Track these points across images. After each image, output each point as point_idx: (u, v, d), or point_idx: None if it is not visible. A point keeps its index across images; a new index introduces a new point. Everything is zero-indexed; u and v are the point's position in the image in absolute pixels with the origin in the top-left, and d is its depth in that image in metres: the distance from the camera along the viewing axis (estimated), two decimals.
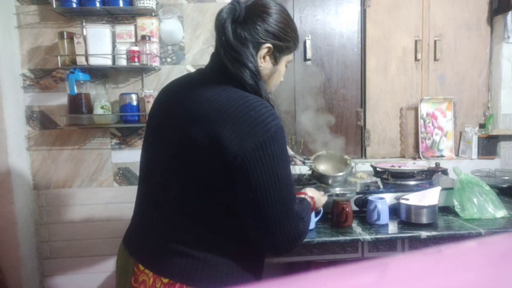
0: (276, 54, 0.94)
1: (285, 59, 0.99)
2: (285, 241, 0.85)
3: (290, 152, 1.53)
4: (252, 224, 0.85)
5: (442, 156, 2.10)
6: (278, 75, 1.00)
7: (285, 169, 0.83)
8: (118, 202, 1.94)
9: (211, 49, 1.98)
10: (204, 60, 1.91)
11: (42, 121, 1.89)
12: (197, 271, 0.85)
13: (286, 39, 0.94)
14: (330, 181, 1.50)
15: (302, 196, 1.12)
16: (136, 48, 1.74)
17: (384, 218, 1.39)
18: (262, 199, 0.81)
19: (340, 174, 1.49)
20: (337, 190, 1.46)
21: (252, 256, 0.94)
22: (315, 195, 1.16)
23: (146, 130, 1.01)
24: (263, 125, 0.80)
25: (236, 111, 0.81)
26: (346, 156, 1.60)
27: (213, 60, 0.95)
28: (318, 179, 1.54)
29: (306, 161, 1.52)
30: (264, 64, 0.93)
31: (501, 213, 1.46)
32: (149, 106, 1.77)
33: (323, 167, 1.60)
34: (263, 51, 0.91)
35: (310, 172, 1.64)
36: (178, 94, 0.93)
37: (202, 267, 0.85)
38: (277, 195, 0.81)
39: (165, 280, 0.85)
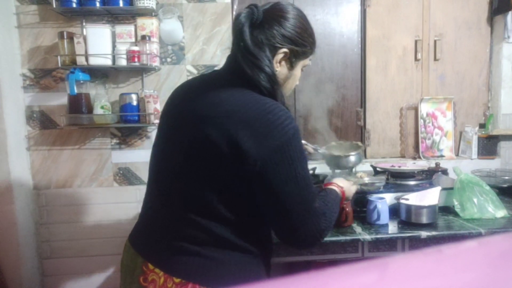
0: (292, 59, 0.94)
1: (301, 64, 0.99)
2: (308, 237, 0.87)
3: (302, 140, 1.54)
4: (274, 224, 0.88)
5: (442, 156, 2.10)
6: (293, 79, 1.00)
7: (304, 170, 0.85)
8: (118, 202, 1.94)
9: (211, 49, 1.98)
10: (204, 60, 1.91)
11: (42, 121, 1.89)
12: (210, 271, 0.85)
13: (302, 44, 0.94)
14: (344, 163, 1.46)
15: (331, 187, 1.11)
16: (136, 48, 1.74)
17: (384, 218, 1.39)
18: (283, 200, 0.83)
19: (352, 153, 1.44)
20: (366, 180, 1.44)
21: (264, 255, 0.95)
22: (344, 185, 1.17)
23: (159, 129, 1.00)
24: (280, 128, 0.81)
25: (253, 114, 0.82)
26: (357, 142, 1.58)
27: (230, 63, 0.95)
28: (332, 164, 1.51)
29: (317, 148, 1.51)
30: (280, 69, 0.94)
31: (501, 213, 1.46)
32: (149, 106, 1.77)
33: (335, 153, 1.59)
34: (279, 56, 0.91)
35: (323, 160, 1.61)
36: (193, 94, 0.93)
37: (215, 267, 0.86)
38: (297, 196, 0.84)
39: (177, 280, 0.85)
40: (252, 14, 0.88)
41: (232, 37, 0.92)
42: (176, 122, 0.93)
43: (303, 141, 1.51)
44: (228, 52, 0.96)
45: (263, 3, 0.93)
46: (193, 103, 0.90)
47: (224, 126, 0.82)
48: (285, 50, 0.91)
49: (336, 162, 1.50)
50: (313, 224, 0.87)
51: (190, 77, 1.91)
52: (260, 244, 0.93)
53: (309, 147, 1.50)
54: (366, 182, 1.41)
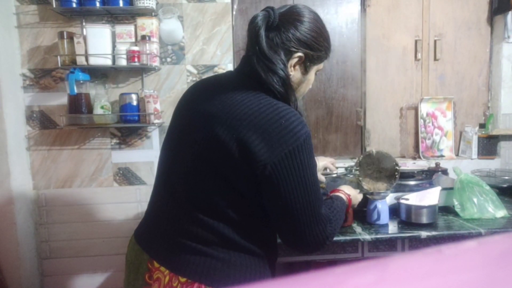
0: (306, 64, 0.94)
1: (315, 68, 0.98)
2: (312, 242, 0.88)
3: (334, 169, 1.54)
4: (280, 227, 0.89)
5: (442, 156, 2.10)
6: (307, 83, 1.00)
7: (313, 176, 0.85)
8: (118, 202, 1.94)
9: (211, 49, 1.98)
10: (204, 60, 1.91)
11: (42, 121, 1.89)
12: (215, 271, 0.85)
13: (318, 48, 0.93)
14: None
15: (338, 194, 1.12)
16: (136, 48, 1.74)
17: (384, 218, 1.39)
18: (291, 205, 0.83)
19: (383, 193, 1.43)
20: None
21: (269, 257, 0.95)
22: (351, 193, 1.17)
23: (169, 127, 1.00)
24: (292, 134, 0.81)
25: (266, 118, 0.81)
26: (396, 165, 1.47)
27: (244, 64, 0.94)
28: (359, 187, 1.51)
29: (350, 172, 1.50)
30: (294, 73, 0.93)
31: (501, 213, 1.46)
32: (149, 106, 1.77)
33: (368, 172, 1.55)
34: (294, 60, 0.91)
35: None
36: (206, 94, 0.93)
37: (221, 267, 0.86)
38: (305, 201, 0.84)
39: (183, 279, 0.84)
40: (269, 17, 0.88)
41: (247, 39, 0.92)
42: (187, 121, 0.93)
43: (334, 169, 1.53)
44: (230, 53, 0.96)
45: (263, 4, 0.93)
46: (206, 103, 0.90)
47: (235, 128, 0.82)
48: (300, 54, 0.90)
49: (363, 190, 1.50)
50: (319, 229, 0.88)
51: (190, 77, 1.91)
52: (265, 246, 0.93)
53: (342, 175, 1.50)
54: (373, 191, 1.42)
